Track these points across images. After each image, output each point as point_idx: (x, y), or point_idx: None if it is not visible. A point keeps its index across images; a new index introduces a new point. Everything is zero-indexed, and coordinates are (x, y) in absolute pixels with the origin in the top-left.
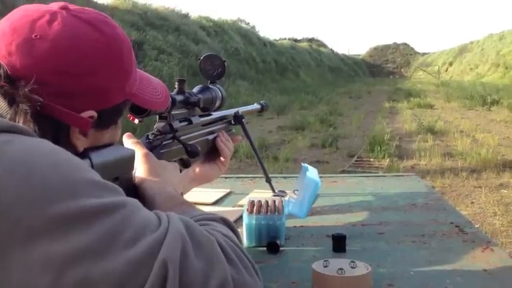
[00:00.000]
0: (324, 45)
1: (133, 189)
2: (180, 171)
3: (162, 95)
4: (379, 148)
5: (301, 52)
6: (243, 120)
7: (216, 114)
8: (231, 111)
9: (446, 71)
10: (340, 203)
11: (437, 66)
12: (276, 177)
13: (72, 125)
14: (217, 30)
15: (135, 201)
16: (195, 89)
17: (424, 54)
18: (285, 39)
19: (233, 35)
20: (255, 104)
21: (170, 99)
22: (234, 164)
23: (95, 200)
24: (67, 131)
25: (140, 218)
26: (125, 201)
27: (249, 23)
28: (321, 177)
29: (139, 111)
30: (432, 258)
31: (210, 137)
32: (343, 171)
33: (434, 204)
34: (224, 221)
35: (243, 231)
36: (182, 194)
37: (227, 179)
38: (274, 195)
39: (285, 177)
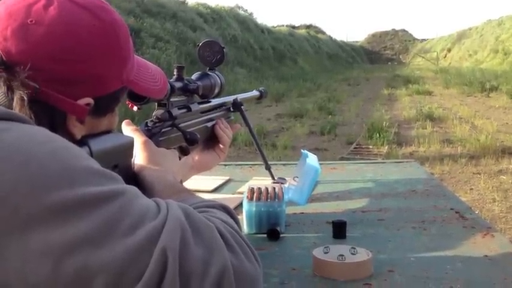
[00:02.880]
0: (322, 32)
1: (133, 177)
2: (179, 158)
3: (160, 82)
4: (377, 135)
5: (299, 39)
6: (242, 107)
7: (215, 101)
8: (230, 98)
9: (445, 57)
10: (340, 189)
11: (435, 53)
12: (276, 164)
13: (68, 112)
14: (215, 17)
15: (134, 189)
16: (194, 76)
17: (422, 40)
18: (283, 25)
19: (231, 22)
20: (254, 91)
21: (169, 86)
22: (233, 152)
23: (94, 188)
24: (63, 118)
25: (139, 206)
26: (123, 189)
27: (246, 9)
28: (320, 164)
29: (137, 98)
30: (432, 244)
31: (209, 124)
32: (342, 159)
33: (434, 191)
34: (224, 208)
35: (243, 218)
36: (182, 181)
37: (226, 167)
38: (274, 183)
39: (284, 164)
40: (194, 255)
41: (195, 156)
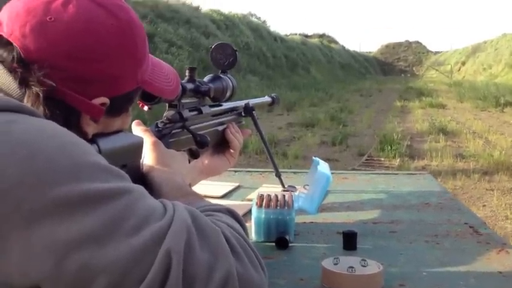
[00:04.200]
0: (335, 42)
1: (141, 177)
2: (189, 161)
3: (173, 83)
4: (389, 147)
5: (312, 48)
6: (254, 112)
7: (226, 105)
8: (242, 103)
9: (459, 70)
10: (351, 200)
11: (449, 66)
12: (286, 172)
13: (84, 112)
14: (228, 23)
15: (141, 188)
16: (206, 78)
17: (436, 52)
18: (296, 34)
19: (243, 29)
20: (266, 97)
21: (181, 87)
22: (243, 159)
23: (100, 184)
24: (78, 117)
25: (145, 205)
26: (130, 187)
27: (260, 17)
28: (332, 173)
29: (149, 97)
30: (445, 258)
31: (220, 128)
32: (353, 170)
33: (447, 204)
34: (231, 213)
35: (252, 226)
36: (190, 185)
37: (236, 173)
38: (284, 190)
39: (294, 172)
40: (199, 259)
41: (205, 160)
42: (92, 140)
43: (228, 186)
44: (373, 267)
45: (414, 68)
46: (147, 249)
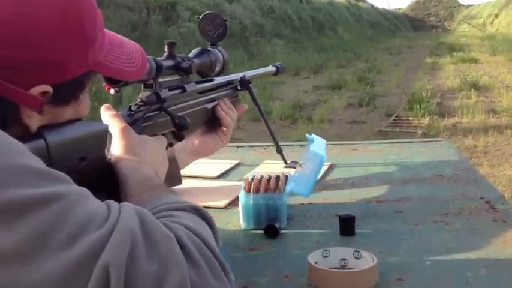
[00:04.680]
0: (363, 0)
1: (108, 170)
2: (172, 144)
3: (137, 63)
4: (418, 106)
5: (339, 8)
6: (250, 85)
7: (218, 80)
8: (237, 76)
9: (492, 23)
10: (358, 174)
11: (482, 19)
12: (293, 145)
13: (19, 103)
14: None
15: (80, 191)
16: (192, 53)
17: (468, 6)
18: None
19: None
20: (270, 67)
21: (153, 65)
22: None
23: (29, 191)
24: (16, 109)
25: (83, 211)
26: (65, 191)
27: None
28: (341, 144)
29: (114, 80)
30: (454, 243)
31: (210, 105)
32: (380, 131)
33: (464, 175)
34: (197, 211)
35: (240, 212)
36: (159, 174)
37: (239, 149)
38: (286, 167)
39: (301, 146)
40: (145, 273)
41: (195, 140)
42: (38, 134)
43: (226, 165)
44: (367, 259)
45: (446, 23)
46: (81, 265)
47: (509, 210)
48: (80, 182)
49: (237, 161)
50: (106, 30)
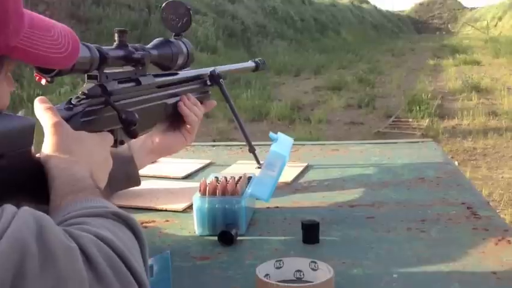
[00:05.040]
0: (366, 2)
1: (34, 169)
2: (123, 142)
3: (65, 49)
4: (418, 108)
5: (342, 9)
6: (221, 80)
7: (183, 74)
8: (206, 70)
9: (496, 26)
10: (334, 176)
11: (486, 21)
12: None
13: None
14: None
15: None
16: (152, 43)
17: (472, 9)
18: None
19: None
20: (249, 62)
21: (95, 54)
22: (266, 125)
23: None
24: None
25: None
26: None
27: None
28: (322, 144)
29: (45, 69)
30: (427, 253)
31: (171, 100)
32: (378, 133)
33: (446, 179)
34: (119, 217)
35: (194, 217)
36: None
37: (214, 148)
38: (258, 167)
39: None
40: None
41: (155, 138)
42: None
43: (196, 164)
44: (324, 271)
45: (449, 26)
46: None
47: (492, 217)
48: None
49: (208, 161)
50: (30, 12)
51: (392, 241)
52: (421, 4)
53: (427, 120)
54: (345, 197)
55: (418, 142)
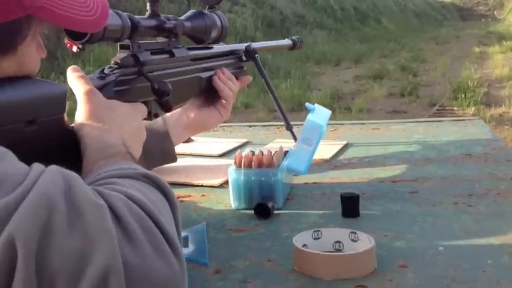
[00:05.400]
0: None
1: (66, 137)
2: (156, 116)
3: (94, 11)
4: (463, 95)
5: None
6: (257, 55)
7: (218, 48)
8: (242, 46)
9: None
10: (375, 154)
11: None
12: None
13: None
14: None
15: None
16: (185, 15)
17: None
18: None
19: None
20: (286, 40)
21: (126, 23)
22: (305, 115)
23: None
24: None
25: None
26: None
27: None
28: (362, 123)
29: (77, 35)
30: (475, 227)
31: (205, 74)
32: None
33: (495, 154)
34: (149, 179)
35: (230, 190)
36: (128, 144)
37: (251, 128)
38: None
39: None
40: (64, 247)
41: (190, 113)
42: None
43: (233, 143)
44: (365, 242)
45: (495, 12)
46: None
47: None
48: (27, 149)
49: (245, 140)
50: None
51: (438, 215)
52: None
53: (473, 108)
54: (387, 173)
55: (464, 120)
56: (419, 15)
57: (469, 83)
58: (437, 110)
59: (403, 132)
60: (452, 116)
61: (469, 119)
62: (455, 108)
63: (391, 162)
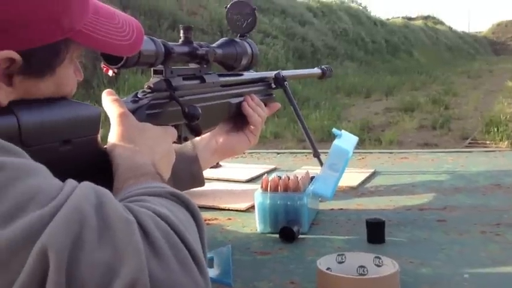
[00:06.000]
0: (441, 23)
1: (99, 157)
2: (186, 139)
3: (129, 36)
4: (496, 129)
5: (415, 30)
6: (286, 83)
7: (249, 75)
8: (271, 73)
9: None
10: (402, 182)
11: None
12: None
13: None
14: (325, 10)
15: (26, 165)
16: (217, 42)
17: None
18: (398, 17)
19: (341, 16)
20: (315, 69)
21: (160, 48)
22: None
23: None
24: None
25: (26, 186)
26: (9, 162)
27: (361, 3)
28: (390, 152)
29: (113, 59)
30: (502, 255)
31: (234, 100)
32: None
33: None
34: (177, 198)
35: (256, 214)
36: (157, 165)
37: (278, 155)
38: None
39: None
40: (93, 260)
41: (219, 138)
42: (9, 109)
43: (260, 169)
44: (389, 267)
45: None
46: (15, 247)
47: None
48: (62, 167)
49: (272, 166)
50: (94, 0)
51: (465, 243)
52: (498, 25)
53: (506, 142)
54: (414, 201)
55: (495, 151)
56: (452, 48)
57: (502, 116)
58: (469, 143)
59: (432, 161)
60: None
61: (500, 151)
62: (488, 142)
63: (419, 191)
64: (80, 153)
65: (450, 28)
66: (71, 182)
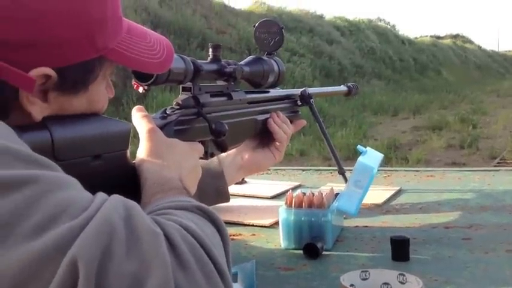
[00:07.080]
0: (470, 41)
1: (128, 172)
2: (212, 155)
3: (160, 54)
4: None
5: (444, 49)
6: (312, 100)
7: (275, 92)
8: (297, 90)
9: None
10: (428, 200)
11: None
12: None
13: (12, 82)
14: (352, 29)
15: (58, 178)
16: (244, 60)
17: None
18: (427, 36)
19: (369, 34)
20: (341, 86)
21: (189, 66)
22: None
23: None
24: (15, 94)
25: (58, 199)
26: (41, 175)
27: (389, 22)
28: (416, 170)
29: (143, 77)
30: None
31: (260, 117)
32: None
33: None
34: (203, 212)
35: (280, 230)
36: (183, 181)
37: (303, 171)
38: None
39: None
40: (121, 271)
41: (245, 154)
42: (43, 125)
43: (284, 186)
44: (413, 284)
45: None
46: (45, 258)
47: None
48: (92, 181)
49: (297, 183)
50: (127, 20)
51: (491, 262)
52: None
53: None
54: (440, 219)
55: None
56: (481, 67)
57: None
58: (498, 162)
59: (458, 180)
60: None
61: None
62: None
63: (444, 209)
64: (110, 167)
65: (479, 47)
66: (101, 195)
